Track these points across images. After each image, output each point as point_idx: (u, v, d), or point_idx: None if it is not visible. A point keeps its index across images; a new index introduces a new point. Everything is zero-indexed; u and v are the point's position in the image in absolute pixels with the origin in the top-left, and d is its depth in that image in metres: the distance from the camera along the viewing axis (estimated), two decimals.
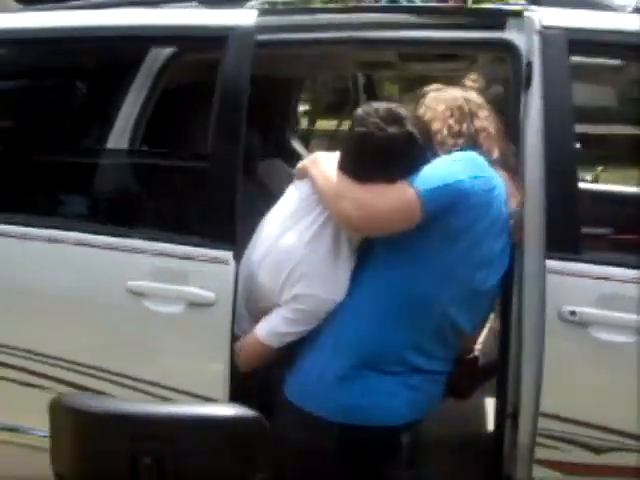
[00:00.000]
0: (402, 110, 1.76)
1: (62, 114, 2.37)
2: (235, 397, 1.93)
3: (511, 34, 2.03)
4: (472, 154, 1.83)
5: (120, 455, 0.80)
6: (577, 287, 1.87)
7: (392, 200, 1.73)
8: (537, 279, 1.88)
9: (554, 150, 1.91)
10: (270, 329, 1.85)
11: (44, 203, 2.15)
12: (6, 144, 2.27)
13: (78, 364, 2.01)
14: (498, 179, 1.82)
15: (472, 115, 1.89)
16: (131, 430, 0.82)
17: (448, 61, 2.65)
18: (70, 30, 2.17)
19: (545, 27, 1.96)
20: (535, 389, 1.89)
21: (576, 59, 2.02)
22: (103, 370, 2.00)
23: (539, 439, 1.90)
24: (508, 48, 2.02)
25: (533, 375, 1.90)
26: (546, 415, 1.88)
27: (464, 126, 1.88)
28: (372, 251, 1.84)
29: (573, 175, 1.94)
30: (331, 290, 1.82)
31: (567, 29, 1.97)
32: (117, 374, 2.00)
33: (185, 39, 2.16)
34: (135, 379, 1.99)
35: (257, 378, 1.95)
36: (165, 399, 1.97)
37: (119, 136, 2.22)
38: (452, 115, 1.89)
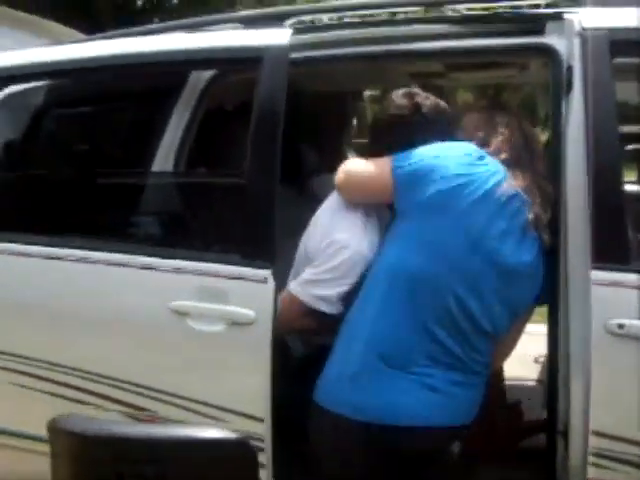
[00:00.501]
0: (417, 90, 1.92)
1: (112, 138, 2.46)
2: (277, 414, 1.96)
3: (551, 38, 1.97)
4: (466, 143, 1.86)
5: (105, 475, 0.82)
6: (624, 299, 1.79)
7: (369, 168, 1.90)
8: (582, 291, 1.82)
9: (598, 155, 1.83)
10: (299, 280, 1.96)
11: (92, 225, 2.22)
12: (57, 166, 2.36)
13: (128, 383, 2.07)
14: (488, 162, 1.79)
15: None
16: (115, 451, 0.84)
17: (497, 68, 2.60)
18: (116, 58, 2.24)
19: (585, 29, 1.90)
20: (584, 406, 1.82)
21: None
22: (151, 389, 2.04)
23: (590, 458, 1.83)
24: (548, 53, 1.97)
25: (582, 391, 1.83)
26: (597, 433, 1.81)
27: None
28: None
29: (619, 180, 1.85)
30: (357, 243, 1.91)
31: (608, 29, 1.89)
32: (165, 392, 2.04)
33: (221, 61, 2.19)
34: (181, 397, 2.01)
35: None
36: (211, 417, 2.00)
37: (165, 157, 2.28)
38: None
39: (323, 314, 1.96)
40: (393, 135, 1.93)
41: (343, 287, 1.93)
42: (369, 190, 1.93)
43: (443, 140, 1.87)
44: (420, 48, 2.07)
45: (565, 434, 1.90)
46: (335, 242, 1.93)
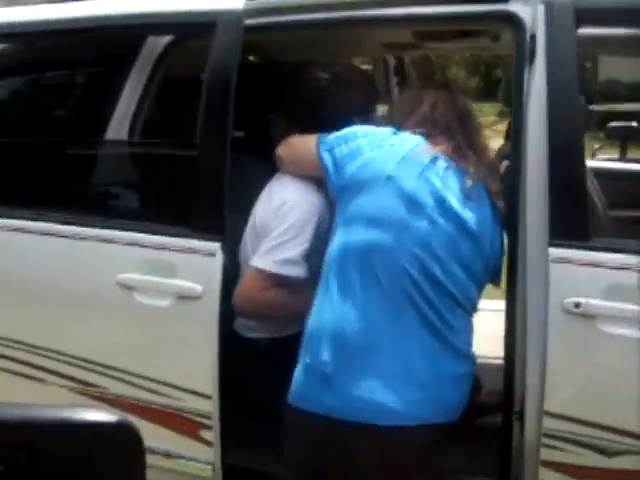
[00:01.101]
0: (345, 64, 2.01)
1: (66, 105, 2.38)
2: (225, 390, 1.91)
3: (516, 6, 1.88)
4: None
5: None
6: (581, 277, 1.73)
7: (301, 146, 1.94)
8: (539, 268, 1.75)
9: (558, 128, 1.76)
10: (258, 253, 1.93)
11: (41, 195, 2.16)
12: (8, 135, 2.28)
13: (78, 358, 2.02)
14: (403, 134, 1.80)
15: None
16: None
17: (468, 38, 2.51)
18: (68, 22, 2.16)
19: None
20: (540, 386, 1.77)
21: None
22: (101, 365, 2.00)
23: (544, 440, 1.77)
24: (512, 20, 1.88)
25: (538, 371, 1.78)
26: (551, 414, 1.76)
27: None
28: None
29: (579, 155, 1.79)
30: (306, 199, 1.94)
31: None
32: (114, 369, 1.99)
33: (176, 26, 2.11)
34: (130, 374, 1.97)
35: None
36: (160, 394, 1.96)
37: (119, 126, 2.20)
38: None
39: (289, 284, 1.92)
40: (317, 108, 2.03)
41: (303, 245, 1.90)
42: (303, 168, 1.96)
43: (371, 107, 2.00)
44: (379, 15, 1.97)
45: (521, 415, 1.85)
46: (285, 203, 1.93)
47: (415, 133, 1.80)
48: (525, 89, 1.83)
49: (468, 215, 1.72)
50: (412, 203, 1.68)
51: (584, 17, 1.80)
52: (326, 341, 1.63)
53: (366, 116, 2.05)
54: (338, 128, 1.86)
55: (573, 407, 1.75)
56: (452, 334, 1.68)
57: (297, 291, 1.94)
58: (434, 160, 1.74)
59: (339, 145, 1.81)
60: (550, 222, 1.74)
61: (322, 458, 1.67)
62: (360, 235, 1.68)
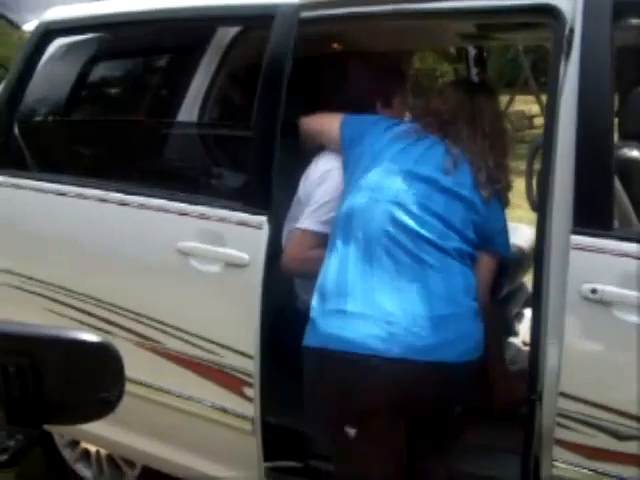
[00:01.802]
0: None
1: (145, 90, 2.62)
2: (267, 352, 2.09)
3: None
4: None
5: None
6: (600, 264, 1.78)
7: (325, 122, 2.25)
8: (561, 254, 1.82)
9: (588, 119, 1.81)
10: (303, 216, 2.15)
11: (116, 168, 2.41)
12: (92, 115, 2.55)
13: (138, 314, 2.25)
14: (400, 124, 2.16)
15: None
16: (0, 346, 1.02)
17: (531, 29, 2.55)
18: (148, 13, 2.39)
19: None
20: (557, 369, 1.84)
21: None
22: (158, 321, 2.22)
23: (559, 419, 1.84)
24: (553, 13, 1.93)
25: (556, 354, 1.84)
26: (566, 395, 1.82)
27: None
28: None
29: (606, 146, 1.82)
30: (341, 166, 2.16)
31: None
32: (169, 325, 2.21)
33: (238, 19, 2.29)
34: (183, 331, 2.19)
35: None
36: (208, 351, 2.16)
37: (190, 109, 2.42)
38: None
39: None
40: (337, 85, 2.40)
41: (333, 210, 2.07)
42: (323, 138, 2.27)
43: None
44: (427, 8, 2.07)
45: (540, 396, 1.92)
46: (324, 172, 2.19)
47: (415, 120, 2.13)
48: (560, 81, 1.88)
49: (442, 177, 1.95)
50: (389, 170, 1.95)
51: (622, 10, 1.83)
52: (316, 292, 1.88)
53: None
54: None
55: (587, 390, 1.81)
56: (433, 274, 1.83)
57: None
58: (420, 139, 2.03)
59: (357, 126, 2.11)
60: (574, 210, 1.80)
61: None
62: (347, 202, 1.96)
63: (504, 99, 13.50)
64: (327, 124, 2.24)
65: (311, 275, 2.02)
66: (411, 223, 1.86)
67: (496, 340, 2.28)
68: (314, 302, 1.86)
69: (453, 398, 1.90)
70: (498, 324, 2.41)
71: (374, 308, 1.78)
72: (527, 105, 14.81)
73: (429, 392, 1.82)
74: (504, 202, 2.10)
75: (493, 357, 2.22)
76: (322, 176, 2.17)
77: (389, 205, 1.89)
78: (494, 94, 2.30)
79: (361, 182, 1.96)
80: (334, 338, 1.78)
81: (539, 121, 12.32)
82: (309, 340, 1.84)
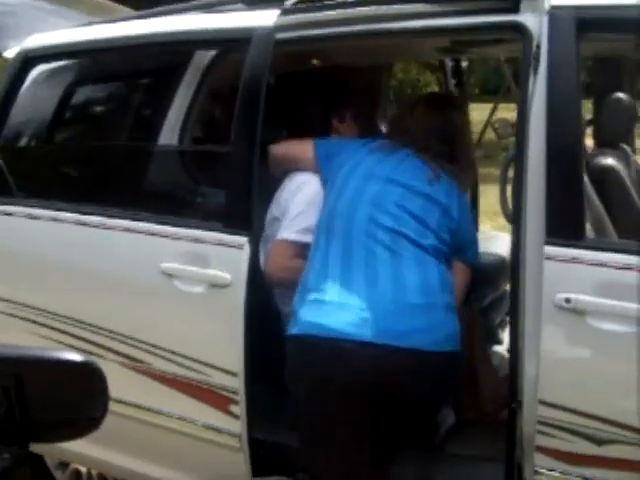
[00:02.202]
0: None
1: (126, 114, 2.66)
2: (252, 370, 2.12)
3: (525, 16, 1.98)
4: None
5: None
6: (573, 274, 1.82)
7: (291, 145, 2.35)
8: (535, 264, 1.86)
9: (557, 131, 1.86)
10: (281, 229, 2.21)
11: (99, 191, 2.45)
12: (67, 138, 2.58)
13: (125, 336, 2.28)
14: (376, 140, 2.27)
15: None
16: None
17: (505, 43, 2.61)
18: (128, 39, 2.43)
19: (554, 7, 1.91)
20: (535, 377, 1.88)
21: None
22: (145, 342, 2.25)
23: (539, 427, 1.88)
24: (520, 31, 1.99)
25: (534, 363, 1.88)
26: (544, 403, 1.86)
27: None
28: None
29: (576, 157, 1.88)
30: (315, 178, 2.25)
31: (576, 7, 1.90)
32: (156, 346, 2.23)
33: (215, 42, 2.34)
34: (170, 351, 2.21)
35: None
36: (195, 370, 2.19)
37: (170, 131, 2.46)
38: None
39: None
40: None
41: (310, 218, 2.17)
42: (299, 165, 2.31)
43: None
44: (400, 27, 2.12)
45: (521, 404, 1.96)
46: (298, 182, 2.26)
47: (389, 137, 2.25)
48: (529, 95, 1.93)
49: (419, 184, 2.08)
50: (368, 177, 2.09)
51: (586, 25, 1.89)
52: (299, 287, 2.02)
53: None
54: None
55: (565, 397, 1.85)
56: (409, 266, 1.95)
57: None
58: (397, 151, 2.16)
59: (331, 145, 2.27)
60: (546, 220, 1.85)
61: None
62: (329, 206, 2.11)
63: (487, 107, 13.62)
64: (299, 149, 2.32)
65: (294, 285, 2.09)
66: (388, 221, 1.99)
67: (477, 342, 2.39)
68: (296, 296, 2.00)
69: (427, 388, 1.96)
70: (478, 327, 2.49)
71: (350, 297, 1.91)
72: (510, 113, 14.92)
73: (401, 377, 1.90)
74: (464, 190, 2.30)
75: (478, 358, 2.36)
76: (298, 187, 2.25)
77: (368, 206, 2.02)
78: (463, 108, 2.37)
79: (342, 188, 2.10)
80: (312, 325, 1.91)
81: None
82: (290, 329, 1.97)
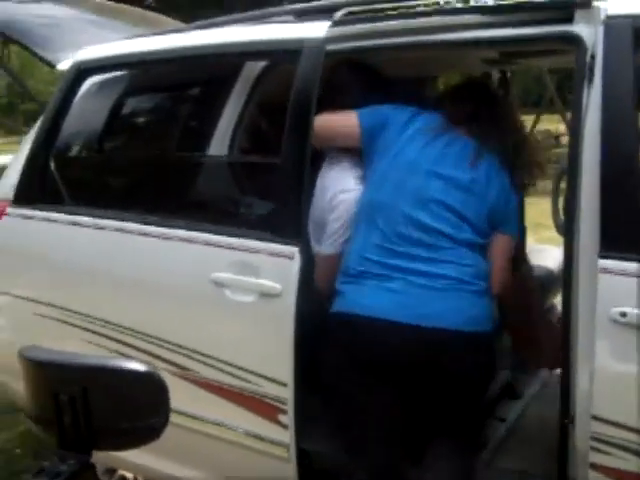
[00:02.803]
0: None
1: (178, 123, 2.70)
2: (301, 379, 2.12)
3: (579, 26, 1.97)
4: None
5: (47, 393, 1.06)
6: (629, 287, 1.79)
7: (337, 115, 2.26)
8: (589, 277, 1.84)
9: (612, 143, 1.84)
10: (322, 242, 2.27)
11: (146, 202, 2.49)
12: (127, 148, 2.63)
13: (175, 344, 2.31)
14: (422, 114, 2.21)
15: None
16: (54, 374, 1.08)
17: (554, 55, 2.59)
18: (181, 50, 2.47)
19: (609, 16, 1.89)
20: (589, 392, 1.85)
21: None
22: (194, 351, 2.27)
23: (593, 443, 1.85)
24: (574, 41, 1.97)
25: (587, 377, 1.86)
26: (598, 419, 1.83)
27: None
28: None
29: (632, 169, 1.84)
30: (349, 185, 2.25)
31: (633, 17, 1.87)
32: (205, 355, 2.26)
33: (267, 53, 2.36)
34: (219, 360, 2.23)
35: None
36: (243, 380, 2.20)
37: (221, 140, 2.49)
38: None
39: None
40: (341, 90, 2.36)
41: (349, 230, 2.21)
42: (340, 139, 2.29)
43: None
44: (450, 39, 2.12)
45: (573, 420, 1.93)
46: (330, 196, 2.25)
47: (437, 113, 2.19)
48: (583, 106, 1.91)
49: (459, 174, 2.10)
50: (410, 169, 2.10)
51: None
52: (341, 270, 2.12)
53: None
54: None
55: (620, 413, 1.82)
56: (444, 259, 2.03)
57: None
58: (439, 135, 2.14)
59: (376, 115, 2.21)
60: (601, 233, 1.82)
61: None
62: (371, 193, 2.14)
63: (530, 118, 13.49)
64: (342, 121, 2.26)
65: None
66: (427, 218, 2.06)
67: (534, 308, 2.56)
68: (339, 277, 2.11)
69: (458, 367, 2.03)
70: (526, 291, 2.55)
71: (387, 281, 2.02)
72: (553, 124, 14.76)
73: (429, 354, 1.99)
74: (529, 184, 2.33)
75: (536, 321, 2.49)
76: (330, 202, 2.26)
77: (408, 202, 2.07)
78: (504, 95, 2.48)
79: (383, 179, 2.13)
80: (352, 303, 2.04)
81: (566, 140, 12.28)
82: (332, 307, 2.08)
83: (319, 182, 2.31)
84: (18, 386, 1.28)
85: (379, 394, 2.03)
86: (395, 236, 2.05)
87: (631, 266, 1.78)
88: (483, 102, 2.23)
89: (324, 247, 2.27)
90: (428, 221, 2.05)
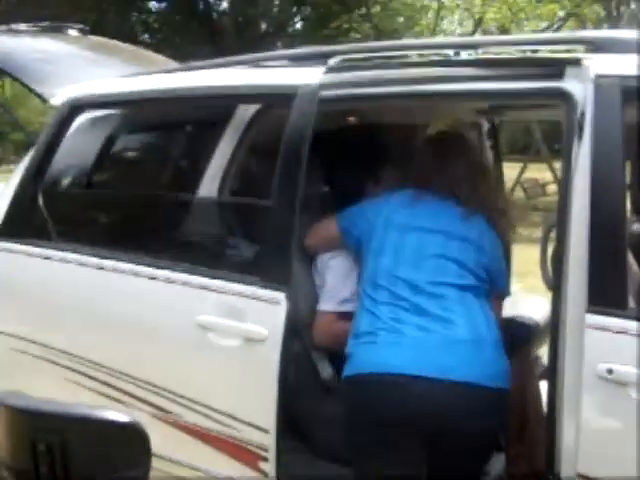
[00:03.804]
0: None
1: (168, 163, 2.71)
2: (284, 426, 2.09)
3: (569, 83, 2.00)
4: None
5: (24, 442, 1.03)
6: (615, 344, 1.79)
7: (317, 229, 2.42)
8: (576, 333, 1.84)
9: (601, 200, 1.85)
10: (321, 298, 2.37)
11: (133, 240, 2.48)
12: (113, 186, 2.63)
13: (156, 386, 2.27)
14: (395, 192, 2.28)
15: None
16: (31, 422, 1.05)
17: (544, 108, 2.62)
18: (175, 91, 2.49)
19: (599, 75, 1.92)
20: (574, 448, 1.83)
21: None
22: (175, 394, 2.24)
23: None
24: (564, 98, 2.00)
25: (573, 433, 1.84)
26: (584, 477, 1.81)
27: None
28: None
29: (620, 226, 1.86)
30: (342, 255, 2.39)
31: (621, 77, 1.91)
32: (187, 398, 2.22)
33: (261, 97, 2.38)
34: (201, 404, 2.20)
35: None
36: (225, 425, 2.17)
37: (210, 182, 2.49)
38: None
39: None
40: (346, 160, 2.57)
41: (345, 289, 2.35)
42: (330, 246, 2.42)
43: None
44: (441, 90, 2.15)
45: (558, 476, 1.91)
46: (325, 259, 2.41)
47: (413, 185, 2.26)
48: (573, 162, 1.93)
49: (453, 227, 2.17)
50: (404, 230, 2.17)
51: (631, 96, 1.89)
52: (351, 334, 2.11)
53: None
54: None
55: (605, 470, 1.80)
56: (453, 308, 2.05)
57: None
58: (422, 198, 2.21)
59: (353, 213, 2.31)
60: (588, 289, 1.83)
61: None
62: (373, 265, 2.16)
63: (516, 166, 13.64)
64: (324, 232, 2.40)
65: (341, 346, 2.18)
66: (430, 273, 2.09)
67: (530, 385, 2.53)
68: (349, 342, 2.09)
69: (476, 422, 1.98)
70: (531, 368, 2.61)
71: (400, 336, 2.01)
72: (540, 172, 14.94)
73: (450, 409, 1.96)
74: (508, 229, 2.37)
75: (530, 401, 2.49)
76: (329, 260, 2.40)
77: (408, 262, 2.11)
78: (464, 139, 2.47)
79: (381, 247, 2.17)
80: (366, 363, 2.01)
81: (552, 188, 12.41)
82: (345, 372, 2.06)
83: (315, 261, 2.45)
84: None
85: (406, 450, 1.98)
86: (402, 293, 2.06)
87: (618, 322, 1.79)
88: (453, 157, 2.31)
89: (321, 304, 2.36)
90: (431, 277, 2.08)
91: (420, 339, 2.00)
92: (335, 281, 2.37)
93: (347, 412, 2.05)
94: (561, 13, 15.77)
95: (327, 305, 2.36)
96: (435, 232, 2.15)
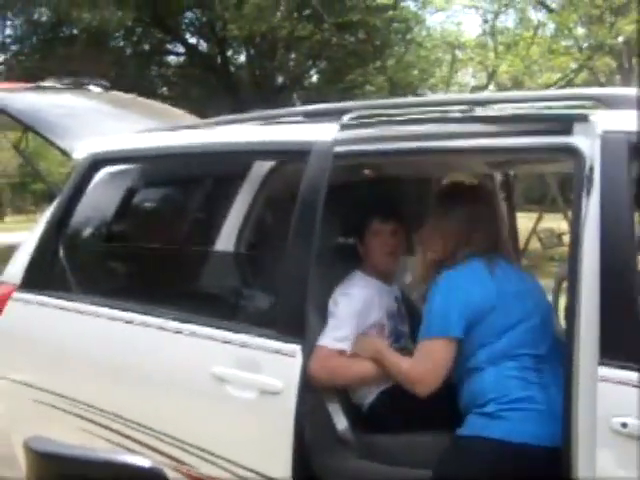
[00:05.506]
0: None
1: (186, 218, 2.77)
2: (300, 478, 2.09)
3: (577, 139, 2.04)
4: None
5: None
6: (629, 397, 1.79)
7: (438, 361, 2.32)
8: (589, 386, 1.84)
9: (611, 253, 1.88)
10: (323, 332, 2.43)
11: (150, 293, 2.52)
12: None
13: (171, 437, 2.28)
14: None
15: None
16: (58, 466, 1.08)
17: (553, 162, 2.67)
18: (193, 147, 2.56)
19: (606, 131, 1.97)
20: None
21: None
22: (190, 444, 2.24)
23: None
24: (573, 153, 2.04)
25: None
26: None
27: None
28: None
29: (631, 278, 1.87)
30: (352, 298, 2.50)
31: (627, 132, 1.95)
32: (202, 449, 2.23)
33: (276, 153, 2.44)
34: (216, 455, 2.21)
35: None
36: (239, 477, 2.17)
37: (228, 237, 2.54)
38: None
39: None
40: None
41: (345, 329, 2.42)
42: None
43: None
44: (453, 146, 2.20)
45: None
46: (340, 293, 2.52)
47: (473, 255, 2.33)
48: (582, 216, 1.96)
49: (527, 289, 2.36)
50: (517, 297, 2.30)
51: (637, 150, 1.93)
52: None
53: None
54: None
55: None
56: (545, 377, 2.23)
57: (358, 360, 2.43)
58: (491, 268, 2.32)
59: (467, 311, 2.29)
60: (600, 342, 1.84)
61: None
62: (507, 336, 2.26)
63: (532, 216, 13.61)
64: (441, 355, 2.29)
65: (336, 385, 2.36)
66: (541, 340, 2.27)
67: None
68: (499, 402, 2.19)
69: None
70: None
71: (533, 410, 2.16)
72: (556, 222, 14.88)
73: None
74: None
75: None
76: (339, 297, 2.50)
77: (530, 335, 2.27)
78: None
79: (509, 319, 2.28)
80: (519, 432, 2.14)
81: (568, 238, 12.32)
82: (494, 434, 2.16)
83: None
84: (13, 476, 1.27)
85: None
86: (528, 364, 2.22)
87: (631, 375, 1.80)
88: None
89: (321, 338, 2.40)
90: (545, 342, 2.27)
91: (544, 411, 2.14)
92: (337, 318, 2.44)
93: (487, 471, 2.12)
94: (573, 65, 15.91)
95: (325, 340, 2.41)
96: (524, 293, 2.33)
